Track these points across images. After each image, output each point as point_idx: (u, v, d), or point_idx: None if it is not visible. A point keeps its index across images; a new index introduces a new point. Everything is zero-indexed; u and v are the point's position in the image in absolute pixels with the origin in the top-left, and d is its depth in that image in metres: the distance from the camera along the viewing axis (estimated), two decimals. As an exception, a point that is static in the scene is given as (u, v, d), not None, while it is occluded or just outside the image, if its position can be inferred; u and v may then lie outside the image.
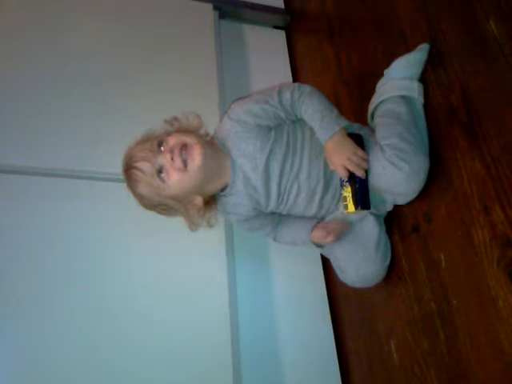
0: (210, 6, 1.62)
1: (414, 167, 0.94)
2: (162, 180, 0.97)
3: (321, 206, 1.07)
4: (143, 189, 0.99)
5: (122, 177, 1.04)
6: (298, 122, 1.06)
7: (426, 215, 1.02)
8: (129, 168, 1.00)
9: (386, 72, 1.11)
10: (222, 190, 1.06)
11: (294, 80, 1.66)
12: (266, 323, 1.25)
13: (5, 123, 1.21)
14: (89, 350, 1.03)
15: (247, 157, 1.02)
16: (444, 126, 1.00)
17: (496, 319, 0.84)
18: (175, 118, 1.05)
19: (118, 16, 1.48)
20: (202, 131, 1.06)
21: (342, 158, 0.98)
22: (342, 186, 1.03)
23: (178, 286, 1.15)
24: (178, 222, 1.05)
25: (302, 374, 1.22)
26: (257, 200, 1.06)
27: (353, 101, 1.33)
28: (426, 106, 1.05)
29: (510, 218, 0.83)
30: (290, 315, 1.27)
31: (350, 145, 0.99)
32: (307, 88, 1.02)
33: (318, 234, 1.06)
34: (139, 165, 0.98)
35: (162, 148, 0.98)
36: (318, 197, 1.06)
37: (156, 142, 0.99)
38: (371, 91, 1.14)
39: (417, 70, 1.07)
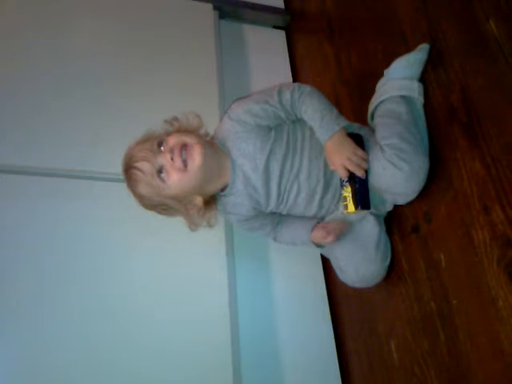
0: (209, 5, 1.62)
1: (414, 167, 0.94)
2: (162, 180, 0.97)
3: (321, 205, 1.07)
4: (143, 189, 0.99)
5: (122, 177, 1.04)
6: (298, 122, 1.06)
7: (426, 215, 1.02)
8: (129, 168, 1.00)
9: (385, 72, 1.11)
10: (222, 190, 1.06)
11: (294, 80, 1.66)
12: (266, 323, 1.25)
13: (5, 123, 1.21)
14: (89, 349, 1.03)
15: (247, 157, 1.02)
16: (444, 126, 1.00)
17: (496, 319, 0.84)
18: (175, 118, 1.05)
19: (118, 16, 1.48)
20: (202, 131, 1.06)
21: (341, 157, 0.98)
22: (341, 185, 1.03)
23: (177, 285, 1.15)
24: (178, 222, 1.05)
25: (302, 373, 1.22)
26: (257, 200, 1.06)
27: (353, 101, 1.33)
28: (426, 105, 1.05)
29: (510, 218, 0.83)
30: (290, 315, 1.27)
31: (349, 145, 0.99)
32: (307, 88, 1.02)
33: (318, 234, 1.06)
34: (139, 165, 0.98)
35: (161, 148, 0.98)
36: (317, 197, 1.06)
37: (156, 142, 0.99)
38: (371, 91, 1.14)
39: (417, 70, 1.07)
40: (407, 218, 1.08)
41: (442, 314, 0.96)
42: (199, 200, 1.02)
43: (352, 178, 1.00)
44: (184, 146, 0.97)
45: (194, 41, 1.52)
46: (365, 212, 1.05)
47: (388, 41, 1.21)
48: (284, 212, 1.11)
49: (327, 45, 1.51)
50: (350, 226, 1.07)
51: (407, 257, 1.07)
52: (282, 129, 1.05)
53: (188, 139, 0.98)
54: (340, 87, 1.40)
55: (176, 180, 0.97)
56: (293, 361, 1.22)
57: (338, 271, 1.10)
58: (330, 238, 1.04)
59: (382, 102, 1.08)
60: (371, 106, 1.11)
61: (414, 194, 0.99)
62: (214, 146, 1.03)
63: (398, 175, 0.94)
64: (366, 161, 0.99)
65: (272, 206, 1.08)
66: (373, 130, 1.07)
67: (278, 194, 1.05)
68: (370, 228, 1.07)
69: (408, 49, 1.09)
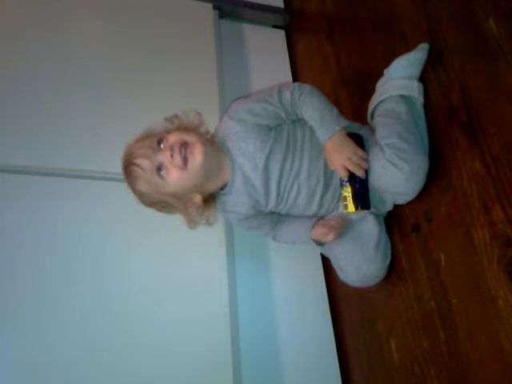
0: (209, 5, 1.62)
1: (414, 167, 0.94)
2: (162, 177, 0.97)
3: (321, 205, 1.07)
4: (142, 186, 0.99)
5: (122, 176, 1.04)
6: (298, 121, 1.06)
7: (426, 215, 1.02)
8: (128, 165, 1.00)
9: (385, 71, 1.11)
10: (222, 188, 1.06)
11: (294, 80, 1.66)
12: (266, 323, 1.25)
13: (5, 123, 1.21)
14: (89, 349, 1.03)
15: (247, 156, 1.02)
16: (444, 126, 1.00)
17: (496, 319, 0.84)
18: (175, 116, 1.05)
19: (118, 16, 1.48)
20: (203, 129, 1.06)
21: (341, 157, 0.98)
22: (341, 185, 1.03)
23: (178, 285, 1.15)
24: (178, 222, 1.05)
25: (302, 373, 1.22)
26: (256, 199, 1.06)
27: (353, 100, 1.33)
28: (425, 105, 1.05)
29: (510, 218, 0.83)
30: (290, 315, 1.27)
31: (350, 145, 0.99)
32: (307, 87, 1.02)
33: (319, 232, 1.06)
34: (139, 161, 0.98)
35: (161, 145, 0.98)
36: (317, 196, 1.06)
37: (156, 139, 0.99)
38: (371, 91, 1.14)
39: (417, 70, 1.07)
40: (407, 217, 1.08)
41: (441, 313, 0.96)
42: (198, 198, 1.02)
43: (352, 177, 1.00)
44: (184, 144, 0.97)
45: (194, 40, 1.52)
46: (365, 212, 1.05)
47: (388, 40, 1.21)
48: (283, 212, 1.11)
49: (327, 44, 1.51)
50: (349, 223, 1.07)
51: (407, 256, 1.07)
52: (282, 129, 1.05)
53: (188, 137, 0.98)
54: (340, 87, 1.40)
55: (175, 177, 0.97)
56: (293, 361, 1.22)
57: (338, 271, 1.10)
58: (331, 236, 1.04)
59: (381, 101, 1.07)
60: (371, 106, 1.11)
61: (414, 194, 0.99)
62: (214, 145, 1.03)
63: (397, 175, 0.94)
64: (366, 161, 0.99)
65: (271, 206, 1.08)
66: (373, 130, 1.07)
67: (278, 194, 1.05)
68: (370, 227, 1.06)
69: (408, 48, 1.09)
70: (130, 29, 1.47)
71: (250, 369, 1.14)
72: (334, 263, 1.11)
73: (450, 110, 0.99)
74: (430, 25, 1.07)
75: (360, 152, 0.99)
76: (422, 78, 1.07)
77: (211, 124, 1.09)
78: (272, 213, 1.12)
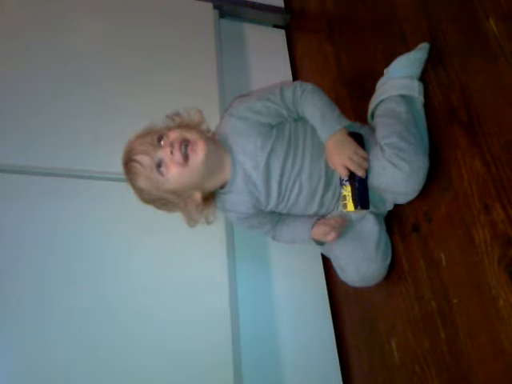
0: (209, 5, 1.62)
1: (414, 167, 0.94)
2: (161, 174, 0.97)
3: (321, 204, 1.07)
4: (142, 182, 1.00)
5: (122, 176, 1.04)
6: (300, 120, 1.06)
7: (426, 214, 1.02)
8: (128, 161, 1.00)
9: (386, 71, 1.11)
10: (222, 187, 1.06)
11: (294, 79, 1.66)
12: (266, 323, 1.25)
13: (5, 123, 1.21)
14: (89, 349, 1.03)
15: (248, 154, 1.02)
16: (444, 125, 1.00)
17: (497, 319, 0.83)
18: (177, 113, 1.06)
19: (118, 16, 1.48)
20: (204, 127, 1.06)
21: (342, 157, 0.98)
22: (341, 184, 1.03)
23: (178, 285, 1.15)
24: (178, 222, 1.05)
25: (302, 373, 1.22)
26: (257, 197, 1.06)
27: (353, 100, 1.33)
28: (426, 105, 1.05)
29: (510, 217, 0.83)
30: (290, 315, 1.27)
31: (351, 144, 0.99)
32: (309, 86, 1.03)
33: (319, 231, 1.06)
34: (139, 158, 0.98)
35: (162, 142, 0.98)
36: (318, 195, 1.06)
37: (156, 136, 0.99)
38: (371, 90, 1.14)
39: (417, 69, 1.07)
40: (407, 217, 1.08)
41: (442, 313, 0.96)
42: (198, 196, 1.02)
43: (352, 177, 1.00)
44: (184, 142, 0.97)
45: (194, 40, 1.52)
46: (364, 211, 1.05)
47: (388, 40, 1.21)
48: (284, 211, 1.11)
49: (327, 44, 1.51)
50: (349, 222, 1.07)
51: (407, 256, 1.07)
52: (284, 127, 1.05)
53: (189, 135, 0.98)
54: (340, 86, 1.40)
55: (175, 174, 0.97)
56: (294, 360, 1.22)
57: (338, 270, 1.10)
58: (331, 236, 1.04)
59: (382, 101, 1.07)
60: (371, 105, 1.11)
61: (414, 194, 0.99)
62: (215, 143, 1.03)
63: (397, 175, 0.94)
64: (367, 160, 0.99)
65: (272, 205, 1.08)
66: (373, 130, 1.07)
67: (279, 193, 1.05)
68: (370, 227, 1.06)
69: (408, 48, 1.09)
70: (129, 29, 1.47)
71: (251, 368, 1.14)
72: (334, 263, 1.11)
73: (450, 109, 0.99)
74: (430, 24, 1.07)
75: (361, 151, 0.99)
76: (423, 78, 1.07)
77: (211, 124, 1.09)
78: (272, 212, 1.12)
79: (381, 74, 1.12)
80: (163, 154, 0.97)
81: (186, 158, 0.96)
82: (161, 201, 1.02)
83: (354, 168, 0.98)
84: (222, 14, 1.68)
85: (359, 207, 1.00)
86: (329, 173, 1.04)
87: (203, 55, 1.50)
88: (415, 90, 1.04)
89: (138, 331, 1.07)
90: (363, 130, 1.06)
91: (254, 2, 1.72)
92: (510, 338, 0.81)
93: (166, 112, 1.06)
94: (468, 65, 0.97)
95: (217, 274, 1.18)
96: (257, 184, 1.04)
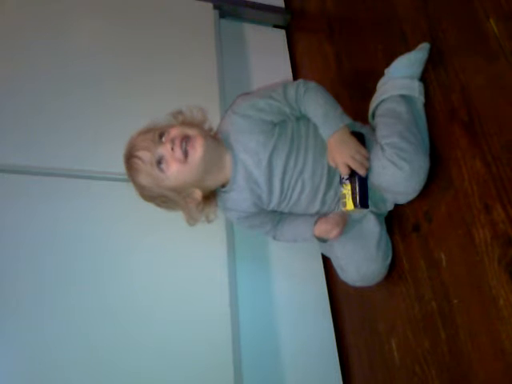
0: (210, 5, 1.62)
1: (415, 166, 0.94)
2: (162, 170, 0.98)
3: (323, 203, 1.07)
4: (143, 179, 1.00)
5: (122, 176, 1.04)
6: (303, 119, 1.06)
7: (427, 214, 1.02)
8: (130, 157, 1.00)
9: (386, 71, 1.11)
10: (223, 186, 1.06)
11: (295, 79, 1.66)
12: (266, 322, 1.25)
13: (5, 123, 1.21)
14: (89, 349, 1.03)
15: (249, 152, 1.02)
16: (444, 125, 1.00)
17: (497, 318, 0.83)
18: (179, 111, 1.06)
19: (118, 16, 1.48)
20: (206, 126, 1.06)
21: (343, 155, 0.98)
22: (341, 183, 1.03)
23: (178, 285, 1.15)
24: (178, 222, 1.05)
25: (302, 373, 1.22)
26: (259, 195, 1.06)
27: (353, 100, 1.33)
28: (426, 105, 1.05)
29: (510, 217, 0.83)
30: (290, 314, 1.27)
31: (353, 142, 0.99)
32: (312, 84, 1.03)
33: (322, 228, 1.06)
34: (140, 154, 0.99)
35: (163, 139, 0.98)
36: (320, 194, 1.06)
37: (158, 132, 0.99)
38: (372, 90, 1.14)
39: (417, 69, 1.07)
40: (408, 217, 1.08)
41: (442, 313, 0.96)
42: (198, 194, 1.03)
43: (352, 175, 1.00)
44: (185, 138, 0.97)
45: (194, 40, 1.52)
46: (363, 210, 1.05)
47: (388, 40, 1.21)
48: (286, 210, 1.10)
49: (327, 44, 1.51)
50: (350, 221, 1.07)
51: (408, 256, 1.07)
52: (287, 126, 1.05)
53: (190, 131, 0.98)
54: (340, 86, 1.40)
55: (175, 171, 0.97)
56: (294, 360, 1.22)
57: (338, 270, 1.10)
58: (333, 233, 1.04)
59: (382, 101, 1.07)
60: (372, 105, 1.11)
61: (415, 194, 0.99)
62: (216, 140, 1.03)
63: (398, 174, 0.94)
64: (368, 159, 0.99)
65: (274, 203, 1.08)
66: (373, 129, 1.07)
67: (281, 191, 1.05)
68: (370, 227, 1.06)
69: (408, 48, 1.09)
70: (130, 29, 1.47)
71: (251, 368, 1.14)
72: (335, 262, 1.11)
73: (451, 109, 0.99)
74: (430, 24, 1.07)
75: (363, 150, 0.99)
76: (423, 78, 1.07)
77: (211, 124, 1.09)
78: (274, 211, 1.12)
79: (381, 74, 1.12)
80: (164, 150, 0.97)
81: (186, 154, 0.96)
82: (161, 198, 1.03)
83: (355, 166, 0.98)
84: (222, 14, 1.67)
85: (359, 206, 1.00)
86: (331, 171, 1.04)
87: (203, 55, 1.50)
88: (416, 89, 1.04)
89: (138, 331, 1.07)
90: (364, 130, 1.06)
91: (254, 2, 1.72)
92: (510, 338, 0.81)
93: (167, 112, 1.07)
94: (468, 65, 0.97)
95: (217, 273, 1.18)
96: (259, 182, 1.04)
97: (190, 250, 1.19)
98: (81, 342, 1.03)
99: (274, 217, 1.13)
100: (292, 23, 1.78)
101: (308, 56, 1.66)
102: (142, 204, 1.05)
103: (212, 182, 1.05)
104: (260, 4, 1.73)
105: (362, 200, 1.00)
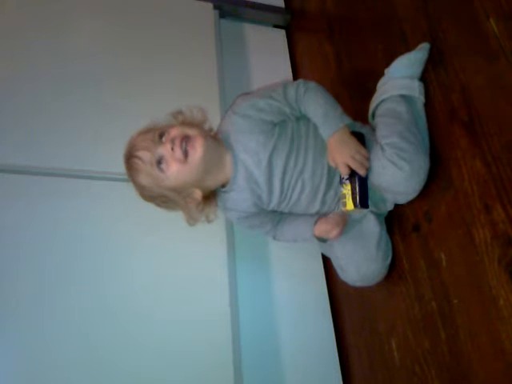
0: (210, 5, 1.62)
1: (415, 166, 0.94)
2: (162, 170, 0.98)
3: (323, 202, 1.07)
4: (143, 179, 1.00)
5: (122, 176, 1.04)
6: (303, 119, 1.06)
7: (427, 214, 1.02)
8: (130, 157, 1.00)
9: (386, 71, 1.11)
10: (223, 186, 1.06)
11: (295, 79, 1.66)
12: (266, 322, 1.25)
13: (5, 123, 1.21)
14: (89, 349, 1.03)
15: (249, 152, 1.02)
16: (444, 125, 1.00)
17: (497, 318, 0.83)
18: (179, 111, 1.06)
19: (118, 16, 1.48)
20: (206, 126, 1.06)
21: (344, 155, 0.98)
22: (341, 183, 1.03)
23: (178, 285, 1.15)
24: (178, 222, 1.05)
25: (302, 373, 1.22)
26: (259, 195, 1.06)
27: (353, 100, 1.33)
28: (426, 105, 1.05)
29: (510, 217, 0.83)
30: (290, 314, 1.27)
31: (353, 142, 0.99)
32: (312, 84, 1.03)
33: (322, 228, 1.06)
34: (140, 154, 0.99)
35: (163, 139, 0.98)
36: (321, 194, 1.06)
37: (158, 132, 0.99)
38: (372, 90, 1.14)
39: (417, 69, 1.07)
40: (408, 217, 1.08)
41: (442, 313, 0.96)
42: (198, 194, 1.03)
43: (352, 175, 1.00)
44: (185, 138, 0.97)
45: (194, 40, 1.52)
46: (363, 210, 1.05)
47: (388, 40, 1.21)
48: (286, 210, 1.10)
49: (327, 44, 1.51)
50: (350, 221, 1.07)
51: (408, 256, 1.07)
52: (287, 126, 1.05)
53: (190, 131, 0.98)
54: (340, 86, 1.40)
55: (175, 171, 0.97)
56: (294, 360, 1.22)
57: (338, 270, 1.10)
58: (334, 233, 1.04)
59: (382, 101, 1.07)
60: (372, 105, 1.11)
61: (415, 194, 0.99)
62: (216, 140, 1.03)
63: (398, 174, 0.94)
64: (368, 159, 0.99)
65: (274, 203, 1.08)
66: (373, 129, 1.07)
67: (281, 191, 1.05)
68: (370, 227, 1.06)
69: (408, 48, 1.09)
70: (130, 29, 1.47)
71: (251, 368, 1.14)
72: (335, 262, 1.11)
73: (451, 109, 0.99)
74: (430, 24, 1.07)
75: (363, 150, 0.99)
76: (423, 78, 1.07)
77: (211, 124, 1.09)
78: (274, 212, 1.12)
79: (381, 74, 1.12)
80: (164, 150, 0.97)
81: (186, 154, 0.96)
82: (161, 198, 1.03)
83: (355, 166, 0.98)
84: (222, 14, 1.67)
85: (359, 206, 1.00)
86: (331, 171, 1.04)
87: (203, 55, 1.50)
88: (416, 89, 1.04)
89: (138, 331, 1.07)
90: (364, 130, 1.06)
91: (254, 2, 1.72)
92: (510, 338, 0.81)
93: (166, 112, 1.07)
94: (468, 65, 0.97)
95: (217, 273, 1.18)
96: (259, 182, 1.04)
97: (190, 250, 1.19)
98: (81, 341, 1.03)
99: (274, 217, 1.13)
100: (292, 23, 1.78)
101: (308, 56, 1.66)
102: (142, 204, 1.05)
103: (212, 182, 1.05)
104: (260, 4, 1.73)
105: (362, 200, 1.00)
